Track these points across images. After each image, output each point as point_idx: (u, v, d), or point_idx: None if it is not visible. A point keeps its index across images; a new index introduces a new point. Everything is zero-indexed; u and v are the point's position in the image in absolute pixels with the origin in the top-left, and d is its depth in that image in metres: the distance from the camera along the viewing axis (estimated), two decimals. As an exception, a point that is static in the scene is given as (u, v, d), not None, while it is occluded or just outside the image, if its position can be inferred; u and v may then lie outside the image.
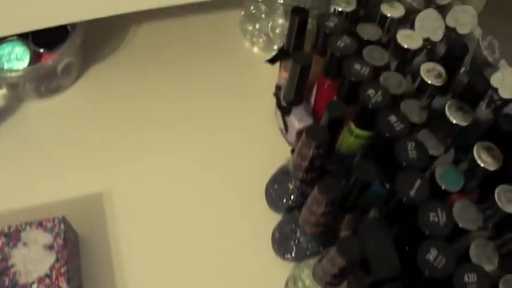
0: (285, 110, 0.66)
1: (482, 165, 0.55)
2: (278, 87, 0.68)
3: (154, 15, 0.84)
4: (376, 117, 0.55)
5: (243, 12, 0.83)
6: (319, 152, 0.53)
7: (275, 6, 0.78)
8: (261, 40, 0.82)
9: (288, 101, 0.66)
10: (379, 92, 0.57)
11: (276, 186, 0.64)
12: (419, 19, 0.69)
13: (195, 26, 0.86)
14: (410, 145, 0.53)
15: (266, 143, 0.73)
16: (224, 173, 0.72)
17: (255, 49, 0.84)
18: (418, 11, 0.70)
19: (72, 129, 0.75)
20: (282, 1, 0.77)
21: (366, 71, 0.58)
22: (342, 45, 0.61)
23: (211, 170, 0.72)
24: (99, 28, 0.81)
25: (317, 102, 0.67)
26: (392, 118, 0.55)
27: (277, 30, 0.80)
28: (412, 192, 0.50)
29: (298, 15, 0.63)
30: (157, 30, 0.85)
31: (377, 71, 0.61)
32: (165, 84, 0.80)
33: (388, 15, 0.67)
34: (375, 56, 0.62)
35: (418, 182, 0.51)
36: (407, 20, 0.71)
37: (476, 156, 0.55)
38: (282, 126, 0.70)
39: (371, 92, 0.57)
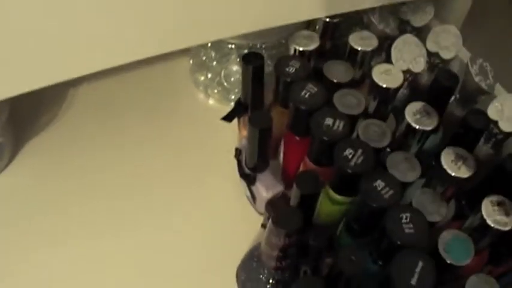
0: (249, 179, 0.56)
1: (494, 226, 0.45)
2: (238, 151, 0.58)
3: (93, 74, 0.73)
4: (359, 183, 0.44)
5: (191, 61, 0.72)
6: (292, 240, 0.43)
7: (227, 51, 0.68)
8: (215, 91, 0.72)
9: (251, 167, 0.55)
10: (359, 151, 0.47)
11: (245, 276, 0.53)
12: (396, 48, 0.60)
13: (140, 80, 0.76)
14: (405, 217, 0.43)
15: (234, 214, 0.63)
16: (186, 252, 0.62)
17: (211, 101, 0.73)
18: (392, 38, 0.60)
19: (10, 217, 0.65)
20: (233, 46, 0.67)
21: (339, 125, 0.48)
22: (306, 95, 0.51)
23: (170, 250, 0.62)
24: (28, 98, 0.70)
25: (286, 162, 0.57)
26: (379, 183, 0.44)
27: (233, 79, 0.70)
28: (414, 280, 0.40)
29: (251, 64, 0.53)
30: (98, 90, 0.77)
31: (353, 120, 0.51)
32: (113, 150, 0.71)
33: (359, 48, 0.56)
34: (349, 102, 0.53)
35: (419, 266, 0.40)
36: (381, 49, 0.61)
37: (485, 216, 0.45)
38: (249, 194, 0.59)
39: (349, 152, 0.47)
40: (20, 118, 0.72)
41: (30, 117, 0.73)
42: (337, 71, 0.57)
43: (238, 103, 0.61)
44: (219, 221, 0.63)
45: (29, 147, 0.71)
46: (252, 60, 0.55)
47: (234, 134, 0.67)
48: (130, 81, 0.76)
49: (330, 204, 0.52)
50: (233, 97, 0.72)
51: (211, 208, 0.64)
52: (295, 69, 0.55)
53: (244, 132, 0.61)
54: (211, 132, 0.71)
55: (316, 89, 0.53)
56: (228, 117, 0.61)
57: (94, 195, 0.66)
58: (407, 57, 0.60)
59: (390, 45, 0.61)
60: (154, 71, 0.77)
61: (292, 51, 0.59)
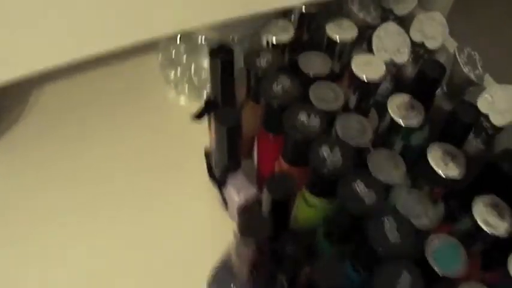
0: (219, 181, 0.51)
1: (486, 229, 0.40)
2: (207, 153, 0.53)
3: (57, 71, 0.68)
4: (337, 185, 0.40)
5: (161, 56, 0.68)
6: (263, 251, 0.38)
7: (196, 45, 0.63)
8: (186, 88, 0.67)
9: (221, 168, 0.50)
10: (336, 150, 0.42)
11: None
12: (378, 37, 0.56)
13: (108, 77, 0.71)
14: (389, 223, 0.38)
15: (206, 220, 0.58)
16: (154, 263, 0.57)
17: (182, 99, 0.68)
18: (374, 27, 0.55)
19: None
20: (203, 38, 0.62)
21: (315, 122, 0.44)
22: (279, 89, 0.46)
23: (138, 261, 0.57)
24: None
25: (260, 162, 0.53)
26: (360, 186, 0.40)
27: (204, 75, 0.65)
28: (399, 292, 0.36)
29: (219, 58, 0.48)
30: (63, 88, 0.71)
31: (331, 116, 0.47)
32: (78, 151, 0.66)
33: (338, 38, 0.52)
34: (326, 96, 0.48)
35: (404, 276, 0.36)
36: (362, 39, 0.57)
37: (477, 218, 0.41)
38: (220, 199, 0.54)
39: (325, 151, 0.42)
40: None
41: None
42: (314, 63, 0.53)
43: (208, 100, 0.56)
44: (190, 228, 0.59)
45: None
46: (219, 54, 0.50)
47: (207, 134, 0.63)
48: (97, 79, 0.71)
49: (307, 208, 0.48)
50: (205, 94, 0.67)
51: (182, 214, 0.60)
52: (267, 62, 0.50)
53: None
54: (182, 132, 0.66)
55: (289, 83, 0.49)
56: (198, 116, 0.56)
57: (60, 197, 0.62)
58: (390, 47, 0.56)
59: (371, 35, 0.56)
60: (123, 67, 0.72)
61: (264, 43, 0.54)
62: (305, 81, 0.50)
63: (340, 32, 0.55)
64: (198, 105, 0.64)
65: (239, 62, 0.52)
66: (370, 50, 0.56)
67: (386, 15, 0.61)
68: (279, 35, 0.54)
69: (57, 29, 0.43)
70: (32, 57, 0.46)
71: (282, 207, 0.43)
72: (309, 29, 0.58)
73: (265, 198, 0.42)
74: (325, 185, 0.45)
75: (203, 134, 0.62)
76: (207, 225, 0.59)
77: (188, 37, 0.64)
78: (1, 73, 0.47)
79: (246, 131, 0.51)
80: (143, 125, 0.67)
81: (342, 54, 0.55)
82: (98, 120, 0.67)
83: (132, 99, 0.69)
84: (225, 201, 0.55)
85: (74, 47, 0.46)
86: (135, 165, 0.63)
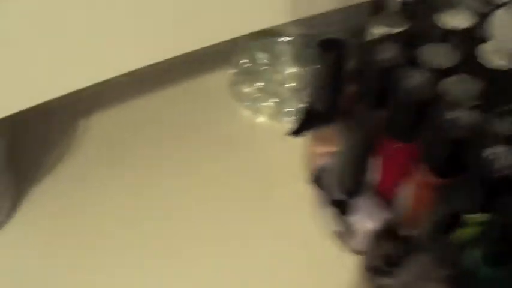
0: (342, 207, 0.42)
1: None
2: (319, 172, 0.44)
3: (108, 98, 0.60)
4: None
5: (233, 70, 0.59)
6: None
7: (277, 50, 0.55)
8: (266, 104, 0.58)
9: (346, 191, 0.41)
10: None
11: None
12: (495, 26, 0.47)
13: (170, 99, 0.63)
14: None
15: (316, 257, 0.48)
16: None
17: (260, 118, 0.60)
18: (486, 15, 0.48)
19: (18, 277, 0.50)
20: (285, 39, 0.53)
21: (471, 117, 0.35)
22: (412, 85, 0.38)
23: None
24: (29, 134, 0.57)
25: (384, 178, 0.43)
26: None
27: (287, 85, 0.56)
28: None
29: (332, 51, 0.40)
30: (114, 116, 0.63)
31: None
32: (142, 188, 0.56)
33: (456, 26, 0.44)
34: (467, 90, 0.39)
35: None
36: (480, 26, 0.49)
37: None
38: (337, 228, 0.45)
39: (495, 152, 0.33)
40: (22, 159, 0.58)
41: (34, 158, 0.59)
42: (437, 55, 0.44)
43: (309, 111, 0.47)
44: (299, 268, 0.48)
45: (34, 195, 0.56)
46: (331, 47, 0.42)
47: (295, 155, 0.54)
48: (157, 102, 0.63)
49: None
50: (288, 110, 0.58)
51: (284, 253, 0.49)
52: (391, 55, 0.42)
53: (323, 149, 0.47)
54: (267, 153, 0.57)
55: (422, 77, 0.40)
56: (298, 131, 0.48)
57: (125, 250, 0.52)
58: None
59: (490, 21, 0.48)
60: (185, 88, 0.63)
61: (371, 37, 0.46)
62: (436, 77, 0.42)
63: (456, 20, 0.47)
64: (280, 124, 0.57)
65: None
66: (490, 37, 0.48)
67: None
68: (390, 26, 0.46)
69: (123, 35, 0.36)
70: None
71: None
72: (414, 19, 0.50)
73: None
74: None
75: (292, 153, 0.54)
76: (319, 263, 0.49)
77: (266, 41, 0.56)
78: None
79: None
80: (219, 150, 0.58)
81: (461, 43, 0.47)
82: (162, 148, 0.58)
83: (202, 122, 0.60)
84: (348, 231, 0.45)
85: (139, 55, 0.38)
86: (216, 198, 0.54)
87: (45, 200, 0.55)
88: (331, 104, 0.46)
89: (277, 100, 0.58)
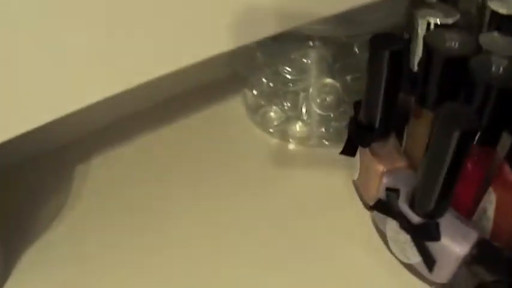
0: (423, 233, 0.34)
1: None
2: (386, 195, 0.36)
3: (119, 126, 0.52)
4: None
5: (251, 92, 0.52)
6: None
7: (303, 62, 0.47)
8: (297, 127, 0.51)
9: (427, 212, 0.34)
10: None
11: None
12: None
13: (183, 131, 0.55)
14: None
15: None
16: None
17: (291, 145, 0.52)
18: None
19: None
20: (313, 44, 0.46)
21: None
22: (499, 71, 0.31)
23: None
24: (20, 186, 0.49)
25: (464, 190, 0.36)
26: None
27: (319, 100, 0.49)
28: None
29: (387, 49, 0.33)
30: (118, 158, 0.53)
31: None
32: (160, 233, 0.46)
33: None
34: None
35: None
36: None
37: None
38: (416, 259, 0.37)
39: None
40: (12, 214, 0.48)
41: (26, 213, 0.49)
42: (497, 44, 0.38)
43: (358, 123, 0.40)
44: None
45: (29, 256, 0.46)
46: (385, 44, 0.35)
47: (337, 182, 0.46)
48: (167, 136, 0.55)
49: None
50: (322, 131, 0.51)
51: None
52: (459, 43, 0.36)
53: (383, 167, 0.40)
54: (305, 186, 0.49)
55: (503, 64, 0.34)
56: (350, 149, 0.40)
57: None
58: None
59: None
60: (197, 119, 0.56)
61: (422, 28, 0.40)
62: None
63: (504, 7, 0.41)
64: (313, 146, 0.50)
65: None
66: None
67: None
68: (441, 17, 0.40)
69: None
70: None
71: None
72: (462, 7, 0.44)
73: None
74: None
75: (333, 180, 0.46)
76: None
77: (289, 55, 0.48)
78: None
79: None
80: (247, 186, 0.49)
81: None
82: (179, 189, 0.50)
83: (223, 156, 0.52)
84: (428, 261, 0.37)
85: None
86: (266, 239, 0.45)
87: (42, 263, 0.45)
88: (388, 113, 0.39)
89: (307, 121, 0.50)
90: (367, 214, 0.45)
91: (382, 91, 0.38)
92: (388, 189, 0.38)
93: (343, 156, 0.50)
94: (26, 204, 0.49)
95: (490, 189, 0.37)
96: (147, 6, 0.30)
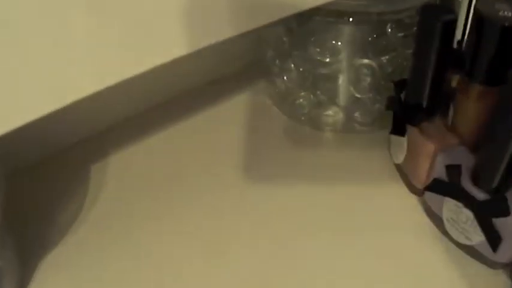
0: (491, 209, 0.33)
1: None
2: (451, 170, 0.35)
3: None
4: None
5: (280, 79, 0.50)
6: None
7: (334, 41, 0.45)
8: (330, 112, 0.49)
9: (492, 188, 0.32)
10: None
11: None
12: None
13: (206, 125, 0.52)
14: None
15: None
16: None
17: (325, 133, 0.50)
18: None
19: None
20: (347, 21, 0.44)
21: None
22: None
23: None
24: (33, 199, 0.47)
25: None
26: None
27: (356, 82, 0.47)
28: None
29: (439, 19, 0.31)
30: (135, 162, 0.50)
31: None
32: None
33: None
34: None
35: None
36: None
37: None
38: (478, 240, 0.36)
39: None
40: (27, 229, 0.45)
41: (40, 226, 0.46)
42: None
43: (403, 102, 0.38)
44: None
45: (43, 270, 0.43)
46: (438, 14, 0.34)
47: (380, 165, 0.44)
48: (189, 128, 0.53)
49: None
50: (357, 114, 0.49)
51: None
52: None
53: (438, 145, 0.38)
54: (347, 175, 0.47)
55: None
56: (399, 128, 0.38)
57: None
58: None
59: None
60: (223, 109, 0.54)
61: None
62: None
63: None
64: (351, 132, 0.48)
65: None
66: None
67: None
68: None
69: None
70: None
71: None
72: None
73: None
74: None
75: (377, 163, 0.45)
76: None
77: (318, 32, 0.46)
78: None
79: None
80: (285, 176, 0.47)
81: None
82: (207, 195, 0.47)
83: (252, 147, 0.50)
84: (494, 240, 0.35)
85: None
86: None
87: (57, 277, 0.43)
88: (437, 89, 0.37)
89: (342, 105, 0.49)
90: (414, 198, 0.44)
91: (432, 65, 0.36)
92: (448, 166, 0.36)
93: (380, 141, 0.49)
94: (42, 209, 0.47)
95: None
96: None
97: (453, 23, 0.35)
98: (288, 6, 0.31)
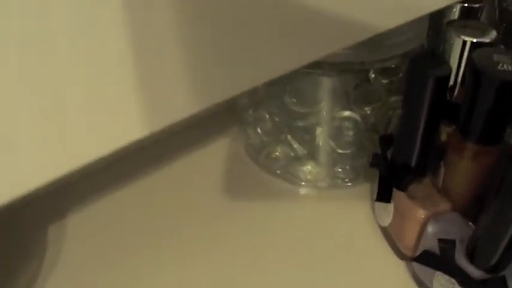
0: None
1: None
2: (445, 245, 0.31)
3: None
4: None
5: (254, 130, 0.46)
6: None
7: (312, 91, 0.42)
8: (308, 167, 0.45)
9: (490, 266, 0.28)
10: None
11: None
12: None
13: (174, 177, 0.48)
14: None
15: None
16: None
17: (302, 189, 0.46)
18: None
19: None
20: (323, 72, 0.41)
21: None
22: None
23: None
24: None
25: None
26: None
27: (336, 136, 0.43)
28: None
29: (431, 74, 0.28)
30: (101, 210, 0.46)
31: None
32: None
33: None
34: None
35: None
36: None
37: None
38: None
39: None
40: None
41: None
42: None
43: (389, 162, 0.35)
44: None
45: None
46: (431, 68, 0.30)
47: (363, 230, 0.41)
48: (159, 180, 0.48)
49: None
50: (339, 169, 0.45)
51: None
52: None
53: (426, 212, 0.34)
54: (326, 238, 0.43)
55: None
56: (385, 194, 0.35)
57: None
58: None
59: None
60: (190, 162, 0.50)
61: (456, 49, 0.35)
62: None
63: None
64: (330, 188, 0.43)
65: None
66: None
67: None
68: (478, 36, 0.35)
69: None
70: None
71: None
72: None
73: None
74: None
75: (359, 229, 0.41)
76: None
77: (295, 83, 0.42)
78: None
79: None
80: (258, 234, 0.43)
81: None
82: (181, 239, 0.43)
83: (225, 205, 0.46)
84: None
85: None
86: None
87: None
88: (428, 149, 0.34)
89: (321, 160, 0.45)
90: (401, 265, 0.40)
91: (423, 122, 0.33)
92: (441, 240, 0.32)
93: (362, 199, 0.45)
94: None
95: None
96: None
97: (446, 78, 0.31)
98: (257, 76, 0.27)
